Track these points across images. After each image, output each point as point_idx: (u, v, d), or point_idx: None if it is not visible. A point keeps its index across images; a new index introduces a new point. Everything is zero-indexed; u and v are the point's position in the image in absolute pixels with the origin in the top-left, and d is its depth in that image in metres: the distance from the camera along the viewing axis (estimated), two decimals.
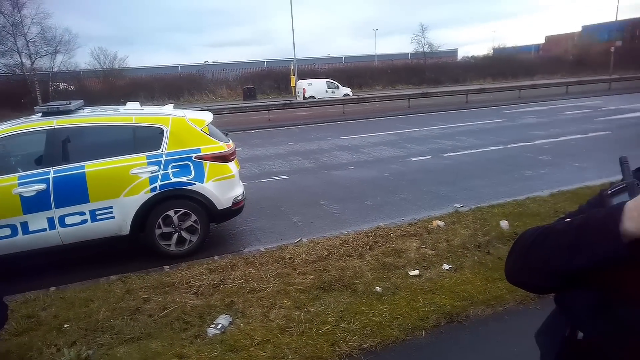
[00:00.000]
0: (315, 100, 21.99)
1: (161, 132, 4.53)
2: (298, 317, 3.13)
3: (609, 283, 0.74)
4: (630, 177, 0.82)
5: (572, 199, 5.47)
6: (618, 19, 37.84)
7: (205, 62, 48.23)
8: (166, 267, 4.24)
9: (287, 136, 13.44)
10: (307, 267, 3.93)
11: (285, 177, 8.07)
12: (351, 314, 3.15)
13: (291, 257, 4.13)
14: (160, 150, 4.49)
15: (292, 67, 33.77)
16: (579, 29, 62.47)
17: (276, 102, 20.40)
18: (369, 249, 4.30)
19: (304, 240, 4.69)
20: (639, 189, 0.78)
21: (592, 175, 6.76)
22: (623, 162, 0.88)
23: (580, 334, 0.83)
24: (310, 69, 38.84)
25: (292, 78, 33.61)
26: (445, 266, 3.88)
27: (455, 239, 4.42)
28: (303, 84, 27.99)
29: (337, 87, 28.43)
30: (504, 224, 4.72)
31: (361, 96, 22.30)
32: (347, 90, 28.63)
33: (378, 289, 3.50)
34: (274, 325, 3.06)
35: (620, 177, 0.87)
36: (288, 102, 20.72)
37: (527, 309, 3.21)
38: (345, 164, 8.96)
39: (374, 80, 38.76)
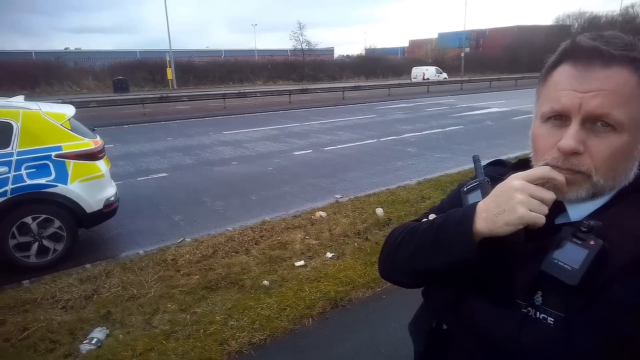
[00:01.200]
0: (198, 94, 21.06)
1: (9, 127, 3.92)
2: (184, 320, 3.01)
3: (465, 279, 0.78)
4: (482, 175, 0.86)
5: (435, 186, 6.14)
6: (466, 28, 43.35)
7: (66, 49, 42.96)
8: (25, 282, 3.70)
9: (164, 131, 12.66)
10: (191, 267, 3.78)
11: (164, 174, 7.62)
12: (239, 310, 3.13)
13: (174, 259, 3.93)
14: (10, 148, 3.89)
15: (168, 59, 31.85)
16: (436, 36, 70.09)
17: (151, 96, 19.00)
18: (255, 244, 4.30)
19: (187, 239, 4.50)
20: (489, 186, 0.81)
21: (450, 165, 7.70)
22: (476, 161, 0.91)
23: (445, 326, 0.86)
24: (188, 62, 37.09)
25: (169, 70, 31.73)
26: (329, 254, 4.08)
27: (336, 228, 4.65)
28: (422, 69, 38.64)
29: (441, 72, 38.90)
30: (379, 211, 5.11)
31: (242, 91, 22.03)
32: (445, 75, 38.45)
33: (265, 282, 3.53)
34: (158, 332, 2.89)
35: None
36: (164, 95, 19.48)
37: (401, 288, 3.54)
38: (228, 159, 8.79)
39: (255, 75, 38.51)
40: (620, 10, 60.03)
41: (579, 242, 0.66)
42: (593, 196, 0.73)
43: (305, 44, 44.90)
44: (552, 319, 0.68)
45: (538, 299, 0.71)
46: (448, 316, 0.82)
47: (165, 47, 32.40)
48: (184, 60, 36.96)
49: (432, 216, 0.89)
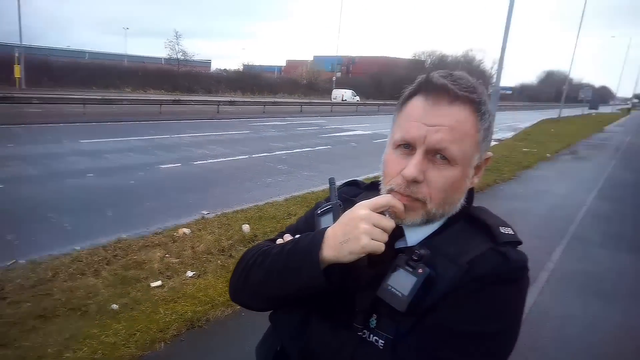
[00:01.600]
0: (52, 96, 18.56)
1: None
2: (3, 358, 2.60)
3: (311, 305, 0.80)
4: (335, 199, 0.87)
5: (301, 203, 6.37)
6: (338, 54, 46.47)
7: None
8: None
9: (5, 137, 10.89)
10: (22, 293, 3.30)
11: None
12: (79, 339, 2.82)
13: None
14: None
15: (17, 55, 27.58)
16: (312, 58, 73.53)
17: None
18: (107, 264, 3.94)
19: (21, 261, 3.93)
20: (341, 210, 0.82)
21: (317, 183, 8.05)
22: (331, 184, 0.92)
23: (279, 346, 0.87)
24: (43, 61, 32.70)
25: (17, 67, 27.43)
26: (190, 273, 3.93)
27: (200, 245, 4.52)
28: (341, 91, 44.95)
29: (355, 95, 45.20)
30: (246, 227, 5.12)
31: (106, 97, 20.16)
32: (357, 97, 43.78)
33: (115, 306, 3.26)
34: None
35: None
36: (8, 95, 16.81)
37: None
38: (84, 170, 7.92)
39: (123, 82, 35.60)
40: (463, 52, 71.76)
41: (410, 269, 0.72)
42: (427, 222, 0.79)
43: (180, 53, 43.16)
44: (383, 341, 0.73)
45: (373, 322, 0.76)
46: (289, 340, 0.83)
47: (13, 42, 28.09)
48: (37, 58, 32.52)
49: (287, 236, 0.91)
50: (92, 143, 10.94)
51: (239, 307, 3.39)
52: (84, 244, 4.46)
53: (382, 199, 0.76)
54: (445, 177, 0.76)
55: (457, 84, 0.77)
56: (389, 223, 0.73)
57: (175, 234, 4.82)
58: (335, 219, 0.82)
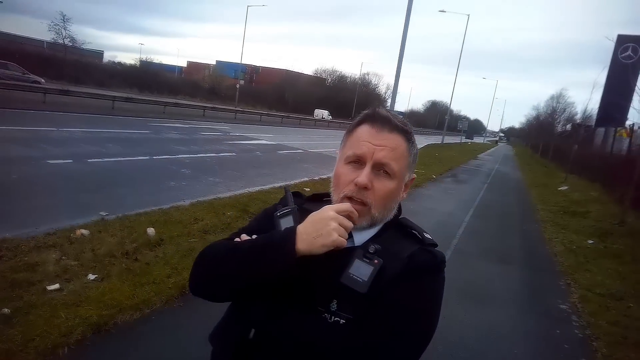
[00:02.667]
0: None
1: None
2: None
3: (280, 290, 0.93)
4: (292, 204, 1.05)
5: (208, 209, 6.30)
6: (243, 61, 46.16)
7: None
8: None
9: None
10: None
11: None
12: None
13: None
14: None
15: None
16: (214, 62, 71.93)
17: None
18: None
19: None
20: (297, 214, 1.01)
21: (222, 189, 8.01)
22: (287, 191, 1.11)
23: (252, 334, 0.97)
24: None
25: None
26: (91, 276, 3.72)
27: (101, 248, 4.27)
28: (322, 111, 54.54)
29: (330, 115, 54.51)
30: (151, 231, 4.94)
31: None
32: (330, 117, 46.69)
33: (6, 310, 2.97)
34: None
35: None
36: None
37: (171, 308, 3.53)
38: None
39: None
40: (360, 74, 76.85)
41: (367, 260, 0.90)
42: (371, 226, 1.01)
43: (68, 39, 39.21)
44: (344, 321, 0.90)
45: (334, 305, 0.92)
46: (265, 325, 0.94)
47: None
48: None
49: (244, 236, 1.04)
50: None
51: (148, 310, 3.36)
52: None
53: (344, 205, 0.95)
54: (387, 187, 0.98)
55: (395, 118, 1.02)
56: (350, 224, 0.92)
57: (71, 235, 4.49)
58: (294, 220, 1.00)
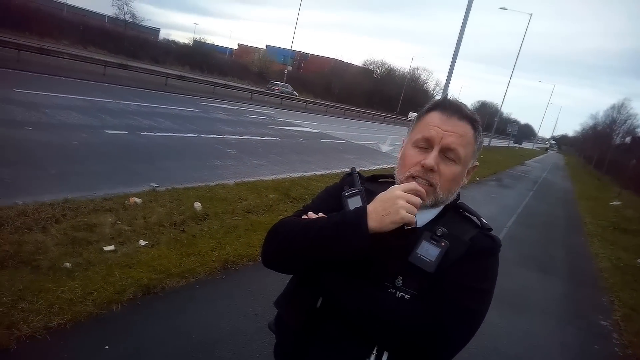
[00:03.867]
0: None
1: None
2: None
3: (349, 264, 0.98)
4: (359, 185, 1.11)
5: (251, 189, 6.48)
6: (292, 48, 46.37)
7: None
8: None
9: None
10: None
11: None
12: (33, 292, 2.80)
13: None
14: None
15: None
16: (264, 46, 72.63)
17: None
18: (56, 222, 3.85)
19: None
20: (365, 194, 1.07)
21: (266, 172, 8.20)
22: (354, 172, 1.17)
23: (319, 303, 1.04)
24: None
25: None
26: (142, 242, 3.95)
27: (152, 217, 4.51)
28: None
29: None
30: (198, 205, 5.16)
31: (44, 46, 18.62)
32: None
33: (68, 264, 3.23)
34: None
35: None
36: None
37: (214, 279, 3.70)
38: (20, 122, 7.41)
39: (61, 33, 32.84)
40: (409, 69, 75.09)
41: (435, 242, 0.96)
42: (434, 205, 1.06)
43: (129, 15, 40.80)
44: (409, 296, 0.97)
45: (399, 281, 0.98)
46: (334, 295, 1.00)
47: None
48: None
49: (310, 214, 1.08)
50: (29, 94, 10.17)
51: (193, 279, 3.54)
52: (27, 199, 4.27)
53: (411, 184, 0.99)
54: (452, 171, 1.03)
55: (465, 107, 1.08)
56: (417, 200, 0.96)
57: (125, 202, 4.76)
58: (362, 200, 1.06)
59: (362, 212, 0.97)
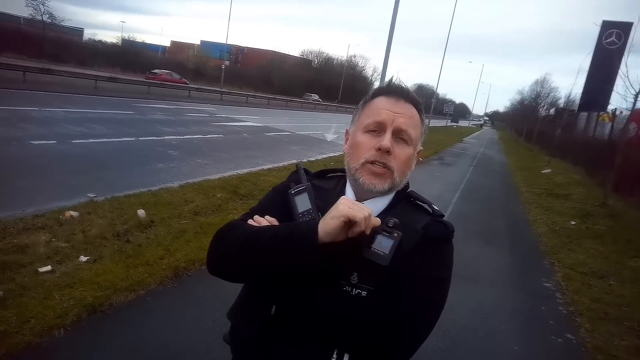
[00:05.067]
0: None
1: None
2: None
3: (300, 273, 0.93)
4: (305, 181, 1.08)
5: (198, 190, 6.27)
6: (228, 42, 45.21)
7: None
8: None
9: None
10: None
11: None
12: None
13: None
14: None
15: None
16: (199, 42, 70.44)
17: None
18: None
19: None
20: (312, 191, 1.03)
21: (211, 171, 7.96)
22: (299, 168, 1.15)
23: (273, 310, 0.99)
24: None
25: None
26: (83, 258, 3.69)
27: (92, 230, 4.23)
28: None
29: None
30: (141, 212, 4.90)
31: None
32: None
33: None
34: None
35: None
36: None
37: (165, 288, 3.54)
38: None
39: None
40: (347, 57, 76.12)
41: (387, 234, 0.91)
42: (389, 191, 1.03)
43: (47, 15, 37.91)
44: (365, 292, 0.94)
45: (354, 278, 0.95)
46: (286, 302, 0.97)
47: None
48: None
49: (256, 217, 1.05)
50: None
51: (143, 291, 3.36)
52: None
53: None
54: (405, 153, 1.03)
55: (410, 90, 1.09)
56: (366, 207, 0.90)
57: (60, 216, 4.43)
58: (309, 197, 1.02)
59: (312, 226, 0.91)
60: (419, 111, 1.07)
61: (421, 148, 1.12)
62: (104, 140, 9.13)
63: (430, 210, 1.08)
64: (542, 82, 49.18)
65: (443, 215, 1.08)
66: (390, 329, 0.91)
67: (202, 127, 13.89)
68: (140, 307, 3.20)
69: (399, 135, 1.02)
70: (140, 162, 7.80)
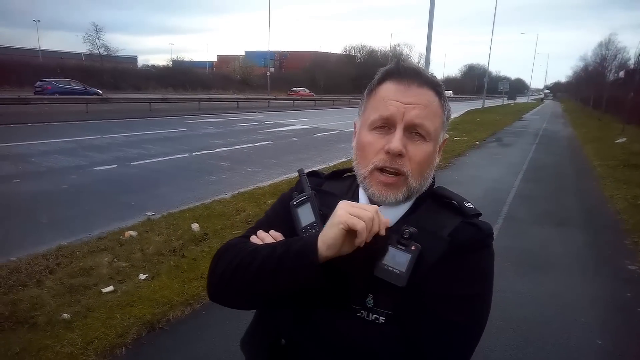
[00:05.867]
0: None
1: None
2: None
3: (303, 296, 0.81)
4: (308, 189, 0.91)
5: (249, 199, 6.34)
6: (270, 49, 46.04)
7: None
8: None
9: None
10: None
11: None
12: (32, 353, 2.66)
13: None
14: None
15: None
16: (243, 52, 72.35)
17: None
18: (50, 273, 3.71)
19: None
20: (315, 200, 0.88)
21: (262, 178, 8.04)
22: (301, 175, 0.96)
23: (283, 340, 0.88)
24: None
25: None
26: (142, 276, 3.81)
27: (149, 247, 4.38)
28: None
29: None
30: (195, 226, 5.02)
31: (23, 96, 18.54)
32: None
33: (66, 315, 3.09)
34: None
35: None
36: None
37: None
38: (7, 176, 7.29)
39: (40, 79, 32.78)
40: (390, 47, 74.55)
41: (403, 247, 0.76)
42: (407, 199, 0.86)
43: (103, 48, 40.72)
44: (384, 318, 0.79)
45: (370, 301, 0.80)
46: (294, 331, 0.84)
47: None
48: None
49: (260, 232, 0.92)
50: (13, 146, 10.08)
51: (198, 305, 3.39)
52: (20, 254, 4.15)
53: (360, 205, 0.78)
54: (423, 151, 0.83)
55: (423, 70, 0.87)
56: (366, 211, 0.75)
57: (121, 237, 4.63)
58: (312, 208, 0.87)
59: (311, 242, 0.77)
60: (438, 95, 0.86)
61: (446, 136, 0.93)
62: (160, 159, 9.54)
63: (461, 209, 0.88)
64: (607, 44, 45.23)
65: (478, 214, 0.88)
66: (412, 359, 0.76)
67: (251, 136, 14.16)
68: (195, 321, 3.23)
69: (412, 130, 0.83)
70: (193, 177, 8.05)
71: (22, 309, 3.12)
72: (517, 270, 4.33)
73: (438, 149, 0.90)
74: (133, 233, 4.72)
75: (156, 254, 4.27)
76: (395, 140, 0.81)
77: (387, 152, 0.82)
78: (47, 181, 7.15)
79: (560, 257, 4.84)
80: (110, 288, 3.55)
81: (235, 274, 0.84)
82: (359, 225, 0.73)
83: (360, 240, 0.74)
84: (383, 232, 0.75)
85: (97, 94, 25.49)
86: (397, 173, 0.83)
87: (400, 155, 0.81)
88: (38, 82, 25.08)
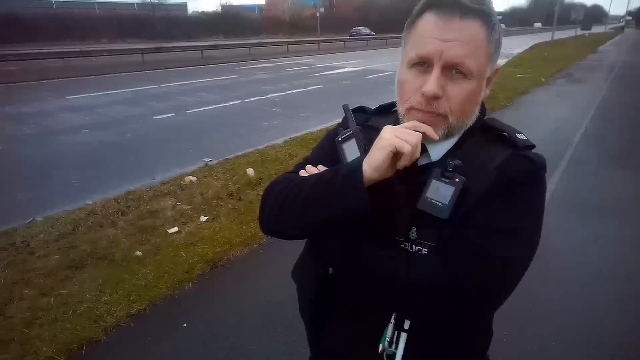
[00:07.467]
0: (28, 52, 17.81)
1: None
2: (47, 304, 2.75)
3: (352, 226, 0.81)
4: (354, 125, 0.89)
5: (300, 144, 6.41)
6: None
7: None
8: None
9: None
10: (48, 247, 3.42)
11: None
12: (112, 284, 2.98)
13: (24, 241, 3.50)
14: None
15: None
16: None
17: None
18: (122, 215, 4.05)
19: (38, 218, 4.01)
20: (361, 135, 0.86)
21: (314, 123, 8.03)
22: (346, 110, 0.94)
23: (331, 270, 0.91)
24: (10, 13, 30.86)
25: None
26: (203, 218, 4.05)
27: (209, 192, 4.61)
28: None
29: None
30: (250, 171, 5.19)
31: (84, 49, 19.37)
32: None
33: (138, 253, 3.39)
34: (16, 322, 2.61)
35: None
36: None
37: (277, 240, 3.70)
38: (78, 127, 7.84)
39: (98, 32, 34.01)
40: None
41: (447, 180, 0.76)
42: (447, 135, 0.82)
43: None
44: (426, 250, 0.80)
45: (413, 234, 0.81)
46: (341, 262, 0.85)
47: None
48: (2, 12, 30.68)
49: (309, 167, 0.93)
50: (79, 98, 10.71)
51: (256, 245, 3.57)
52: (95, 198, 4.53)
53: (408, 124, 0.79)
54: (464, 91, 0.78)
55: None
56: (413, 136, 0.75)
57: (182, 182, 4.90)
58: (358, 143, 0.85)
59: (356, 165, 0.79)
60: (487, 24, 0.77)
61: (497, 66, 0.85)
62: (214, 106, 9.77)
63: (512, 140, 0.83)
64: None
65: (532, 146, 0.83)
66: (453, 291, 0.75)
67: (302, 80, 14.03)
68: (254, 259, 3.44)
69: (452, 68, 0.77)
70: (247, 123, 8.20)
71: (101, 247, 3.46)
72: (581, 216, 4.14)
73: (486, 82, 0.84)
74: (193, 178, 4.97)
75: (215, 197, 4.50)
76: (430, 83, 0.76)
77: (423, 94, 0.78)
78: (111, 131, 7.60)
79: (631, 200, 4.54)
80: (175, 229, 3.83)
81: (284, 204, 0.86)
82: (406, 148, 0.73)
83: (404, 163, 0.75)
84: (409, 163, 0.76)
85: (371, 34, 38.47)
86: (435, 114, 0.79)
87: (436, 97, 0.77)
88: (353, 29, 43.23)
